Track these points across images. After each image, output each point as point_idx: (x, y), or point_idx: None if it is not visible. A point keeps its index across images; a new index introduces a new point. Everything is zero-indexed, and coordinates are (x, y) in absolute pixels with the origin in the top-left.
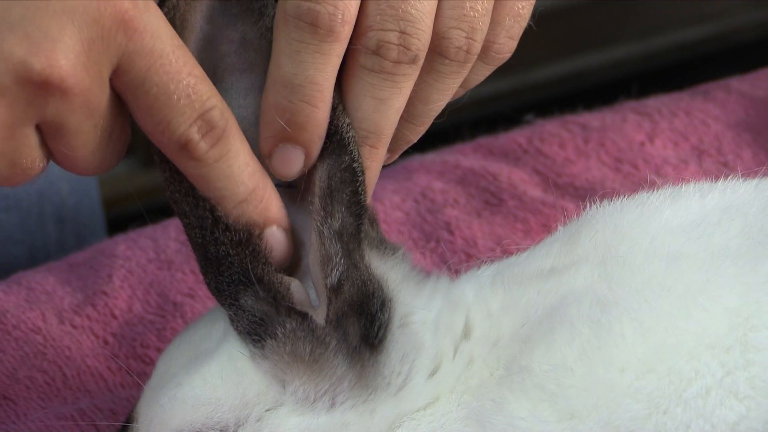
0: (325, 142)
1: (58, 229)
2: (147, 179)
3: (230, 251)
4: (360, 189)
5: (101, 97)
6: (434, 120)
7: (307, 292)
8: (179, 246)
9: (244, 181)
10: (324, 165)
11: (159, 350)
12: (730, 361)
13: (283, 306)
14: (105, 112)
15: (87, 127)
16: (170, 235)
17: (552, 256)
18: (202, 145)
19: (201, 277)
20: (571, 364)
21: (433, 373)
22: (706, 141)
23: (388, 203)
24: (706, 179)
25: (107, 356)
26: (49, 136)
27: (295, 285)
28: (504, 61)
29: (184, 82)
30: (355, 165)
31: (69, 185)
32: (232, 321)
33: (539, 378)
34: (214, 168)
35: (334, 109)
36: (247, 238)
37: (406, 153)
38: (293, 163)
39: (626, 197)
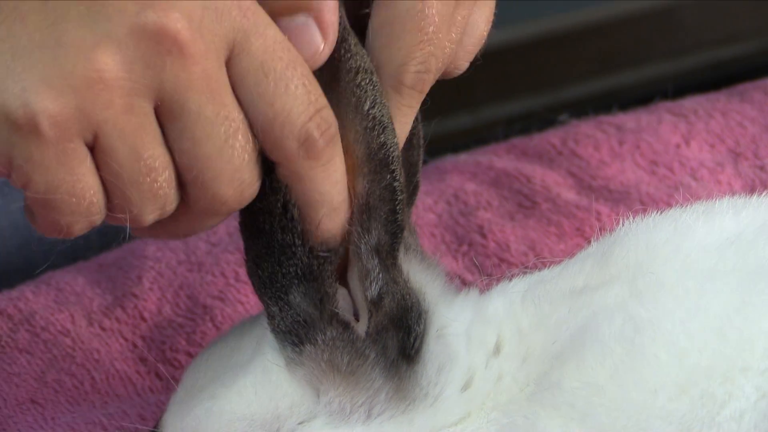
0: (368, 160)
1: (100, 239)
2: None
3: (296, 240)
4: (398, 208)
5: (219, 75)
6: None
7: (352, 302)
8: (209, 248)
9: (341, 188)
10: (364, 181)
11: (188, 354)
12: (764, 385)
13: (328, 312)
14: (225, 99)
15: (209, 112)
16: (201, 236)
17: (584, 273)
18: (320, 143)
19: (231, 280)
20: (602, 383)
21: (467, 386)
22: (742, 144)
23: (421, 205)
24: (742, 183)
25: (136, 360)
26: (169, 123)
27: (342, 293)
28: None
29: (299, 71)
30: (395, 184)
31: None
32: (272, 318)
33: (569, 395)
34: (324, 170)
35: (384, 127)
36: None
37: (439, 153)
38: None
39: (661, 209)
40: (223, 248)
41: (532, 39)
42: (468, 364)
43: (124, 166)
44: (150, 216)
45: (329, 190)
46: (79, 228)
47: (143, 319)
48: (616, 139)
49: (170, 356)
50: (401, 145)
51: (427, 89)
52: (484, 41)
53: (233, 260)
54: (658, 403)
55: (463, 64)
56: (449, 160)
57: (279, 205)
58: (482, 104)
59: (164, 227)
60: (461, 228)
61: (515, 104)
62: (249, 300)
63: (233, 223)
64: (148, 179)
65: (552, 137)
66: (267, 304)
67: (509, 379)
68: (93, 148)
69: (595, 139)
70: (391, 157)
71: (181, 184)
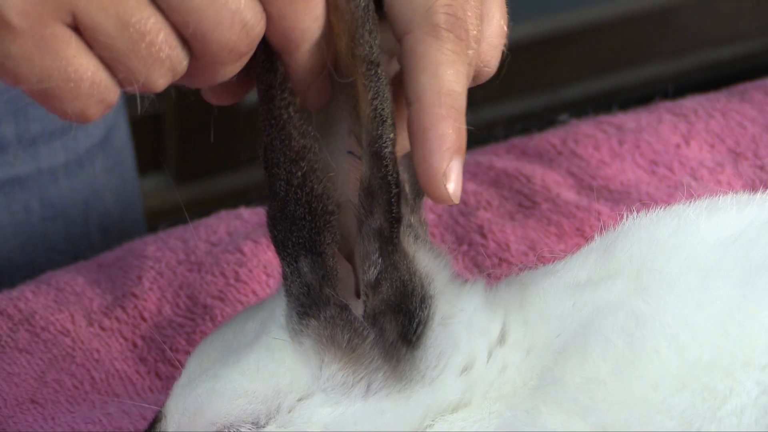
0: (368, 147)
1: (102, 239)
2: (179, 195)
3: (306, 215)
4: (392, 200)
5: None
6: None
7: (356, 280)
8: (210, 248)
9: (321, 23)
10: (366, 166)
11: (188, 354)
12: (765, 380)
13: (326, 292)
14: None
15: None
16: (200, 236)
17: (588, 267)
18: None
19: (231, 280)
20: (604, 378)
21: (465, 370)
22: (742, 144)
23: None
24: (742, 183)
25: (136, 360)
26: None
27: (344, 271)
28: None
29: None
30: (389, 178)
31: (114, 196)
32: (285, 279)
33: (572, 390)
34: (306, 6)
35: (383, 121)
36: (326, 210)
37: None
38: (461, 176)
39: (662, 208)
40: (223, 248)
41: (532, 39)
42: (468, 350)
43: (114, 37)
44: (161, 80)
45: (310, 26)
46: (95, 111)
47: (143, 319)
48: (616, 139)
49: (170, 356)
50: (462, 99)
51: (464, 36)
52: (505, 34)
53: (233, 260)
54: (659, 397)
55: (491, 61)
56: None
57: (297, 174)
58: (482, 104)
59: (186, 82)
60: (461, 228)
61: (515, 104)
62: (249, 300)
63: (233, 223)
64: (144, 44)
65: (552, 137)
66: (282, 264)
67: (513, 370)
68: (78, 28)
69: (595, 139)
70: (384, 152)
71: (185, 41)
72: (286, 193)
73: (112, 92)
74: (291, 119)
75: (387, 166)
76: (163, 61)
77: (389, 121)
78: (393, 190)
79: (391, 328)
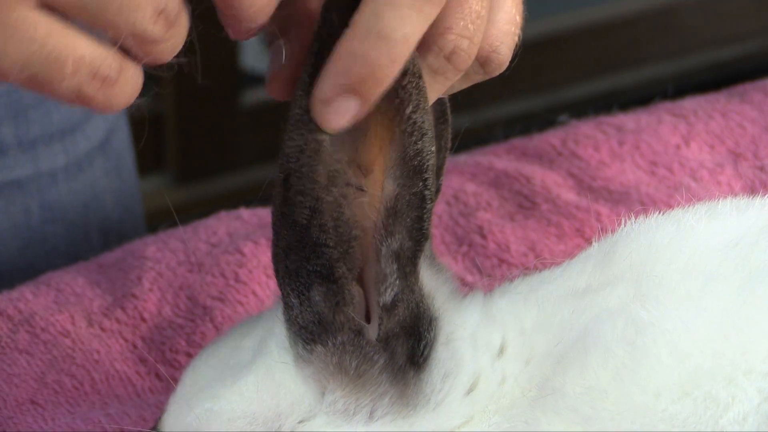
0: (402, 164)
1: (102, 241)
2: (178, 196)
3: (329, 241)
4: (425, 216)
5: None
6: (464, 117)
7: (366, 304)
8: (210, 248)
9: None
10: (394, 184)
11: (188, 355)
12: (767, 387)
13: (341, 317)
14: None
15: None
16: (200, 237)
17: (586, 274)
18: None
19: (231, 281)
20: (605, 387)
21: (471, 390)
22: (742, 144)
23: None
24: (742, 184)
25: (136, 360)
26: None
27: (357, 293)
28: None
29: None
30: (426, 193)
31: (113, 198)
32: (290, 309)
33: (572, 400)
34: None
35: (423, 134)
36: (350, 235)
37: None
38: (349, 117)
39: (662, 209)
40: (223, 249)
41: (532, 39)
42: (473, 368)
43: None
44: (151, 27)
45: None
46: (93, 89)
47: (143, 319)
48: (616, 139)
49: (170, 357)
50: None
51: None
52: (518, 24)
53: (233, 261)
54: (660, 405)
55: (500, 46)
56: (449, 161)
57: (322, 200)
58: (482, 104)
59: (230, 22)
60: (461, 229)
61: (515, 104)
62: (249, 301)
63: (233, 223)
64: None
65: (552, 138)
66: (288, 295)
67: (512, 381)
68: (45, 5)
69: (595, 139)
70: (425, 166)
71: None
72: (309, 221)
73: (105, 64)
74: (324, 145)
75: (427, 180)
76: (139, 4)
77: (430, 135)
78: (428, 206)
79: (402, 351)
